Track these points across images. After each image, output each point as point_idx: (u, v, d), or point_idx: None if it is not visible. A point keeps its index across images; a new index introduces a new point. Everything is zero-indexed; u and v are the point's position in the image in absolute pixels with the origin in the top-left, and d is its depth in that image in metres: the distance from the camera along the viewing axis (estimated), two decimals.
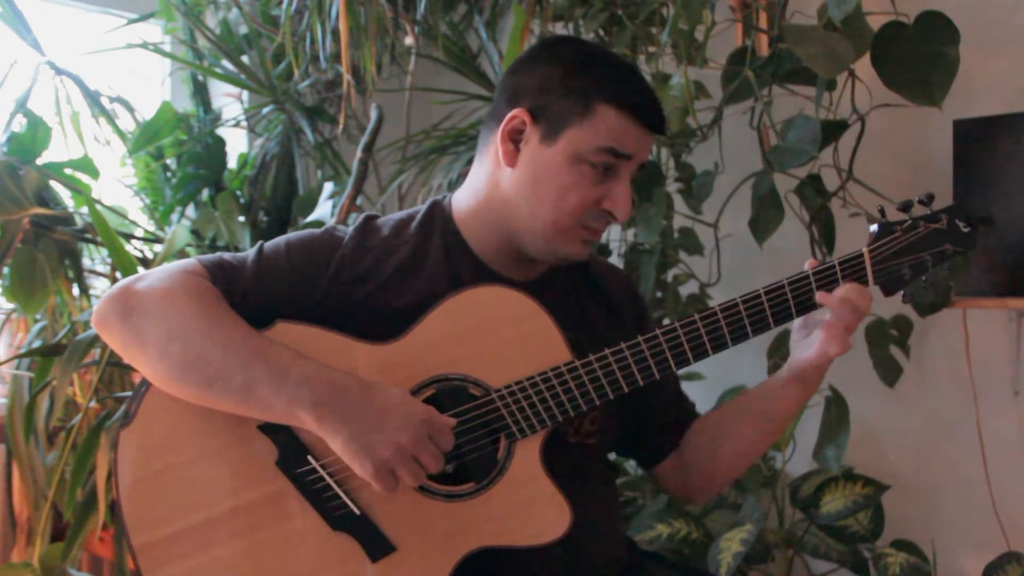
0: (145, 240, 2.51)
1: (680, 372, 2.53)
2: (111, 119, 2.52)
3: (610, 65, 1.32)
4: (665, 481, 1.55)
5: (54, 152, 2.36)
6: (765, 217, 2.20)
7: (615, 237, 2.65)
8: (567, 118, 1.29)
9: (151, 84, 2.94)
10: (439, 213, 1.41)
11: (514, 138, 1.32)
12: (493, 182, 1.35)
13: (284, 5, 2.49)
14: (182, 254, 2.33)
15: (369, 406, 1.21)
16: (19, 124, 2.32)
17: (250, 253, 1.35)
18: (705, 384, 2.64)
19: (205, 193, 2.68)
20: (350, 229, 1.38)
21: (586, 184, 1.30)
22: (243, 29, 2.69)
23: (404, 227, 1.39)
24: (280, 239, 1.37)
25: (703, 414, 1.55)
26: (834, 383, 2.30)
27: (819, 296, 1.30)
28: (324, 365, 1.23)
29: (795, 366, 1.37)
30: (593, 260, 1.50)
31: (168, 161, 2.65)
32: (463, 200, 1.40)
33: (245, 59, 2.69)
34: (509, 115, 1.32)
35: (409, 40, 2.66)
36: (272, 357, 1.22)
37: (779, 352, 2.33)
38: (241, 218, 2.59)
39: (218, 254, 1.35)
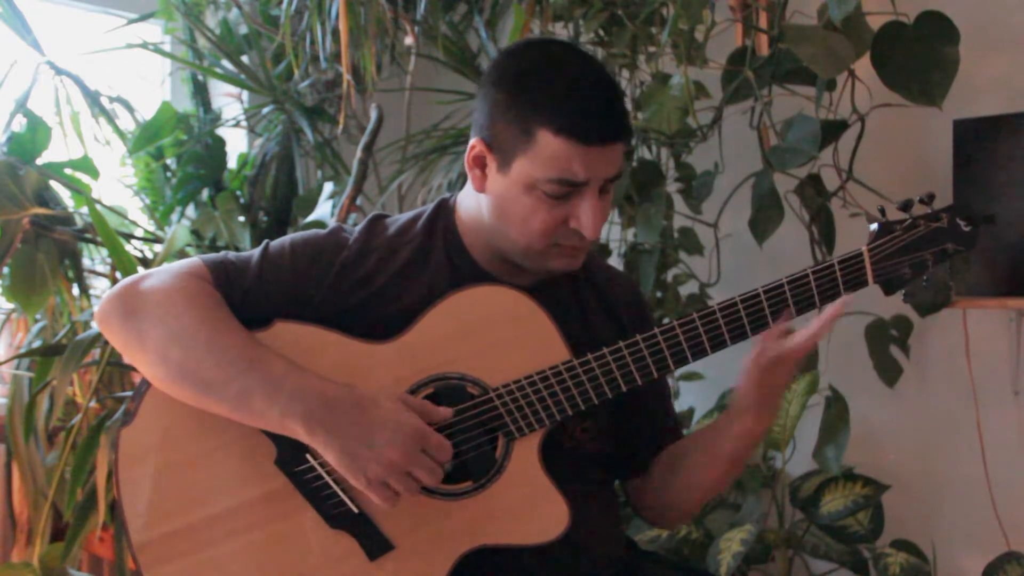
0: (145, 240, 2.51)
1: (680, 372, 2.56)
2: (111, 119, 2.52)
3: (551, 83, 1.24)
4: (632, 498, 1.52)
5: (54, 152, 2.36)
6: (765, 217, 2.20)
7: (615, 237, 2.65)
8: (514, 147, 1.25)
9: (151, 84, 2.94)
10: (444, 214, 1.41)
11: (479, 164, 1.31)
12: (478, 203, 1.35)
13: (284, 5, 2.49)
14: (182, 254, 2.33)
15: (360, 421, 1.21)
16: (19, 124, 2.32)
17: (255, 252, 1.36)
18: (705, 384, 2.64)
19: (205, 193, 2.68)
20: (356, 230, 1.38)
21: (545, 209, 1.27)
22: (243, 29, 2.69)
23: (410, 227, 1.39)
24: (285, 239, 1.37)
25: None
26: (834, 383, 2.30)
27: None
28: (319, 377, 1.23)
29: (733, 398, 1.35)
30: (595, 262, 1.49)
31: (168, 161, 2.65)
32: (465, 205, 1.39)
33: (245, 59, 2.69)
34: (470, 144, 1.31)
35: (409, 40, 2.66)
36: (268, 367, 1.22)
37: None
38: (241, 218, 2.59)
39: (222, 253, 1.35)
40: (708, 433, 1.40)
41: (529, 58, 1.29)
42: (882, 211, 1.34)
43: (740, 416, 1.33)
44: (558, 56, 1.29)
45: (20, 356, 2.18)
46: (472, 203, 1.37)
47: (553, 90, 1.24)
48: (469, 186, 1.39)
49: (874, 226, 1.32)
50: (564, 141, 1.22)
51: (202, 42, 2.69)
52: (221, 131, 2.75)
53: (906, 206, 1.31)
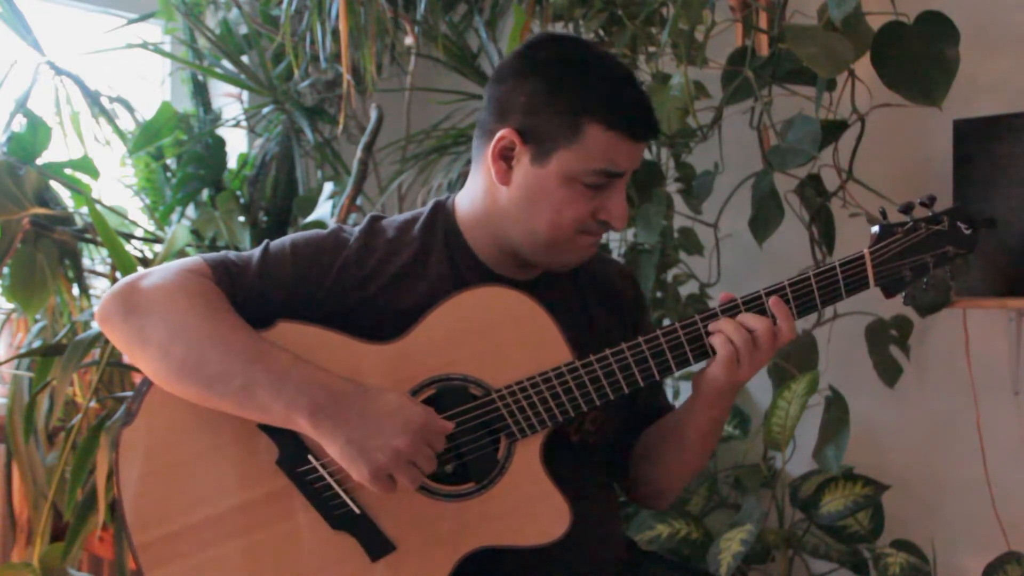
0: (145, 240, 2.51)
1: (680, 371, 2.56)
2: (111, 119, 2.52)
3: (595, 77, 1.28)
4: (621, 483, 1.54)
5: (54, 152, 2.36)
6: (765, 217, 2.20)
7: (615, 237, 2.65)
8: (556, 140, 1.27)
9: (151, 84, 2.94)
10: (442, 214, 1.41)
11: (505, 156, 1.31)
12: (491, 196, 1.35)
13: (284, 5, 2.49)
14: (182, 254, 2.33)
15: (366, 412, 1.21)
16: (19, 124, 2.32)
17: (255, 252, 1.35)
18: None
19: (205, 193, 2.68)
20: (356, 230, 1.38)
21: (580, 200, 1.29)
22: (243, 29, 2.69)
23: (408, 228, 1.39)
24: (286, 239, 1.37)
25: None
26: (834, 383, 2.30)
27: (712, 325, 1.29)
28: (323, 370, 1.23)
29: (695, 381, 1.36)
30: (596, 256, 1.50)
31: (168, 161, 2.64)
32: (465, 203, 1.40)
33: (245, 59, 2.69)
34: (498, 135, 1.30)
35: (409, 40, 2.66)
36: (272, 361, 1.22)
37: (779, 352, 2.33)
38: (241, 218, 2.59)
39: (223, 252, 1.35)
40: (675, 420, 1.43)
41: (565, 51, 1.32)
42: (883, 213, 1.34)
43: (708, 404, 1.35)
44: (591, 51, 1.34)
45: (20, 356, 2.18)
46: (476, 200, 1.37)
47: (601, 86, 1.28)
48: (469, 186, 1.39)
49: (875, 228, 1.32)
50: (614, 136, 1.27)
51: (202, 42, 2.69)
52: (221, 131, 2.75)
53: (907, 209, 1.31)
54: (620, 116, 1.27)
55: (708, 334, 1.30)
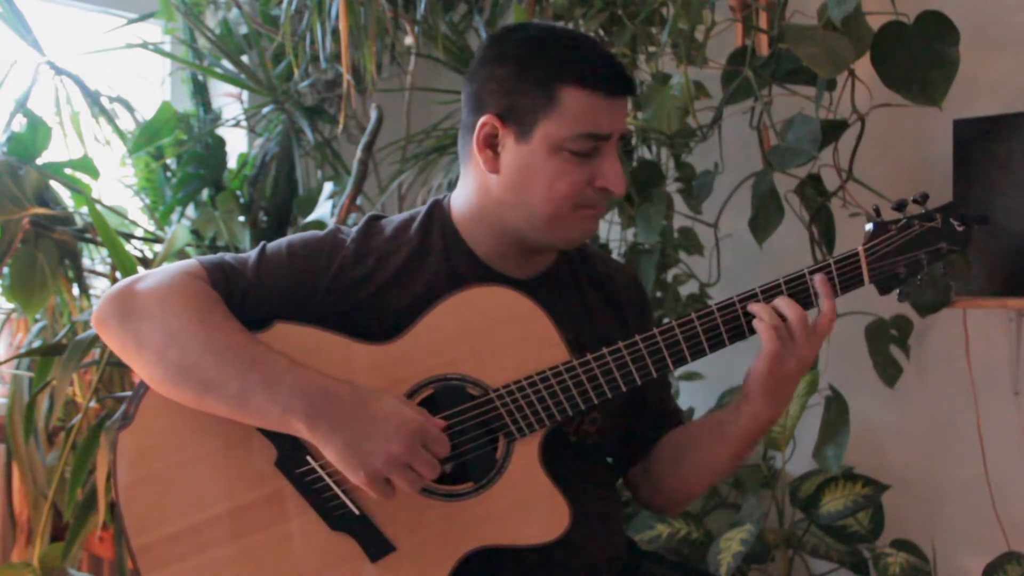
0: (145, 240, 2.51)
1: (680, 372, 2.56)
2: (111, 119, 2.52)
3: (561, 44, 1.30)
4: (636, 490, 1.53)
5: (54, 152, 2.36)
6: (765, 217, 2.20)
7: (615, 237, 2.65)
8: (535, 112, 1.28)
9: (151, 84, 2.94)
10: (439, 214, 1.41)
11: (490, 143, 1.31)
12: (483, 189, 1.35)
13: (284, 5, 2.49)
14: (182, 254, 2.33)
15: (362, 415, 1.21)
16: (19, 124, 2.32)
17: (252, 253, 1.35)
18: (705, 384, 2.64)
19: (205, 193, 2.68)
20: (353, 231, 1.38)
21: (572, 169, 1.29)
22: (243, 29, 2.69)
23: (405, 228, 1.39)
24: (283, 240, 1.37)
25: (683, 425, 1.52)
26: (834, 383, 2.30)
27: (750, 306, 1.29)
28: (320, 373, 1.23)
29: (744, 381, 1.34)
30: (597, 256, 1.50)
31: (168, 161, 2.65)
32: (459, 202, 1.40)
33: (245, 59, 2.69)
34: (479, 123, 1.31)
35: (409, 40, 2.66)
36: (268, 365, 1.22)
37: None
38: (241, 218, 2.59)
39: (219, 254, 1.35)
40: (716, 419, 1.41)
41: (526, 32, 1.34)
42: (877, 211, 1.35)
43: (751, 400, 1.32)
44: (551, 26, 1.36)
45: (20, 356, 2.18)
46: (470, 197, 1.37)
47: (569, 51, 1.29)
48: (461, 185, 1.40)
49: (869, 226, 1.33)
50: (590, 94, 1.27)
51: (202, 42, 2.69)
52: (221, 131, 2.75)
53: (900, 206, 1.32)
54: (593, 73, 1.27)
55: (706, 332, 1.30)
